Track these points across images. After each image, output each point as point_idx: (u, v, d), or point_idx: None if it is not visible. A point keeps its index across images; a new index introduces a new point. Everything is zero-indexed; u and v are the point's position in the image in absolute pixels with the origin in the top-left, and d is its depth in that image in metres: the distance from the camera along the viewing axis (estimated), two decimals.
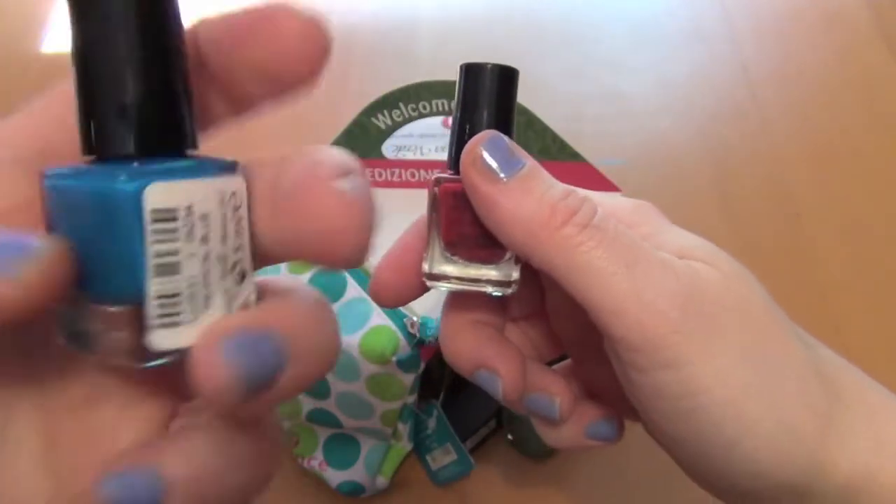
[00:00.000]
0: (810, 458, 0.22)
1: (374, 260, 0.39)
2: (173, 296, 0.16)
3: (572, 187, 0.23)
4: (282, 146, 0.64)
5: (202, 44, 0.18)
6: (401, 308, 0.41)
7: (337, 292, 0.41)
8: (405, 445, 0.46)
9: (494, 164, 0.22)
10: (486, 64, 0.24)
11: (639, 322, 0.21)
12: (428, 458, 0.47)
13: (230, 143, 0.73)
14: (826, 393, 0.23)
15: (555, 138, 0.48)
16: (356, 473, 0.45)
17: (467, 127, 0.24)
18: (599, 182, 0.48)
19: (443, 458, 0.46)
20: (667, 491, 0.44)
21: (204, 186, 0.16)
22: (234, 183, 0.17)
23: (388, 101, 0.47)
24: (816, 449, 0.22)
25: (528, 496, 0.47)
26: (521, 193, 0.22)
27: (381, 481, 0.46)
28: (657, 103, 0.69)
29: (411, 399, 0.44)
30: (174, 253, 0.15)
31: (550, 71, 0.72)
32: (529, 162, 0.23)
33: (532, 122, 0.47)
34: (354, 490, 0.45)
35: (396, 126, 0.48)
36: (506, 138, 0.23)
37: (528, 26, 0.77)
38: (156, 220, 0.15)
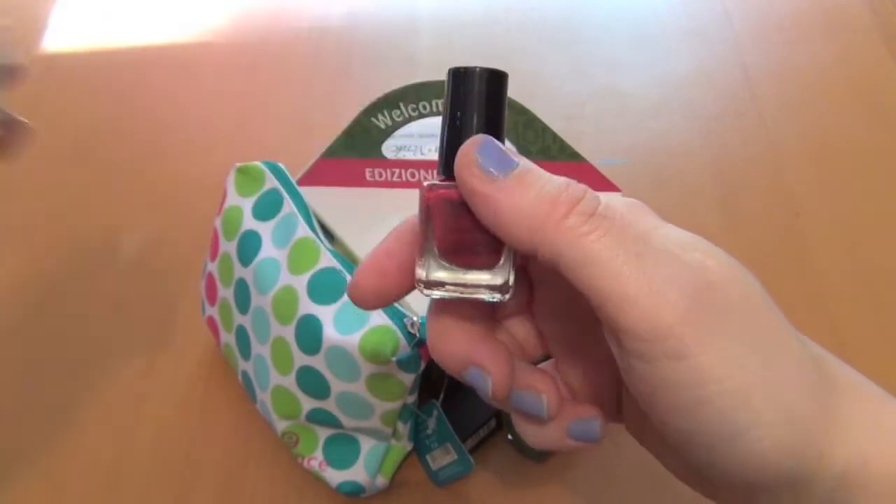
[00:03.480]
0: (811, 447, 0.22)
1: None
2: None
3: (571, 180, 0.23)
4: (283, 146, 0.64)
5: None
6: (401, 308, 0.41)
7: (337, 292, 0.41)
8: (405, 445, 0.46)
9: (490, 165, 0.23)
10: (475, 68, 0.24)
11: (648, 312, 0.21)
12: (428, 458, 0.47)
13: (233, 143, 0.74)
14: (824, 383, 0.23)
15: (555, 138, 0.48)
16: (356, 473, 0.45)
17: (458, 132, 0.24)
18: (599, 182, 0.48)
19: (443, 458, 0.46)
20: (663, 491, 0.44)
21: None
22: None
23: (388, 101, 0.47)
24: (817, 437, 0.22)
25: (527, 496, 0.47)
26: (520, 189, 0.22)
27: (381, 481, 0.46)
28: (657, 102, 0.69)
29: (411, 399, 0.44)
30: None
31: (550, 71, 0.72)
32: (523, 161, 0.23)
33: (532, 122, 0.47)
34: (354, 490, 0.45)
35: (396, 126, 0.48)
36: (496, 141, 0.23)
37: (528, 26, 0.77)
38: None
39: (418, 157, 0.51)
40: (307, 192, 0.46)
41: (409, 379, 0.41)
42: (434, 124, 0.52)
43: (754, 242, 0.58)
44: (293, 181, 0.46)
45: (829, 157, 0.64)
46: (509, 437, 0.48)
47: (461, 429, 0.46)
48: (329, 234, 0.48)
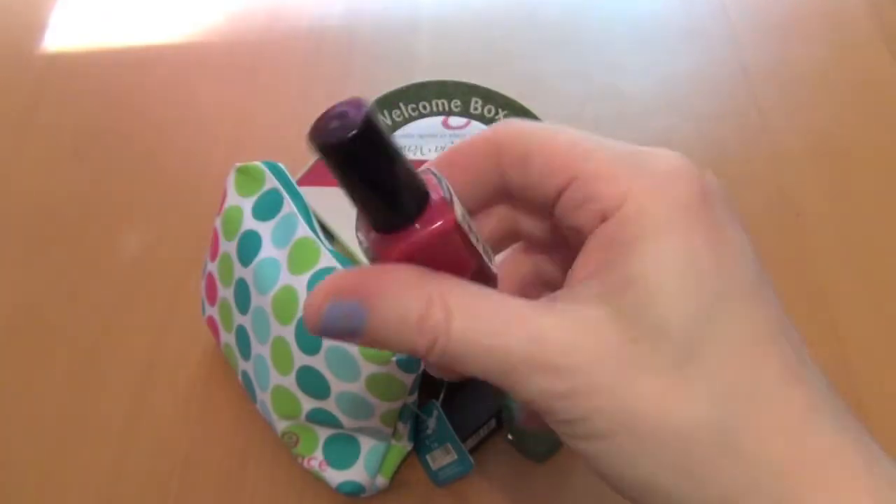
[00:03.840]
0: None
1: None
2: None
3: (428, 287, 0.22)
4: (283, 146, 0.64)
5: None
6: None
7: None
8: (405, 445, 0.46)
9: (341, 327, 0.22)
10: (342, 140, 0.20)
11: (538, 393, 0.22)
12: (428, 458, 0.47)
13: (233, 143, 0.74)
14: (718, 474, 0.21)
15: None
16: (356, 473, 0.45)
17: (356, 200, 0.22)
18: None
19: (443, 458, 0.46)
20: None
21: None
22: None
23: (388, 101, 0.47)
24: None
25: (527, 496, 0.47)
26: (380, 337, 0.22)
27: (381, 481, 0.46)
28: (657, 103, 0.69)
29: (411, 399, 0.44)
30: None
31: (550, 71, 0.72)
32: (369, 305, 0.22)
33: None
34: (354, 490, 0.45)
35: (396, 126, 0.48)
36: (340, 301, 0.22)
37: (528, 26, 0.77)
38: None
39: (418, 157, 0.51)
40: (307, 192, 0.46)
41: (409, 379, 0.41)
42: (434, 124, 0.52)
43: (754, 242, 0.58)
44: (293, 181, 0.46)
45: (829, 156, 0.64)
46: (509, 437, 0.48)
47: (461, 429, 0.46)
48: (329, 234, 0.48)
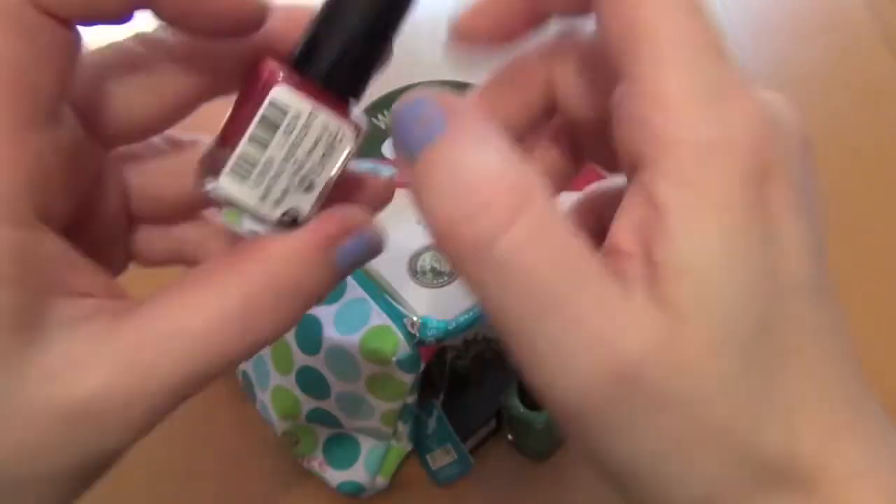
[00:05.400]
0: None
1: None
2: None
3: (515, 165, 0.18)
4: None
5: None
6: (401, 308, 0.41)
7: (337, 292, 0.41)
8: (405, 445, 0.46)
9: (405, 143, 0.19)
10: None
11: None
12: (428, 458, 0.47)
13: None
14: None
15: None
16: (356, 473, 0.45)
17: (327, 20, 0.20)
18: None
19: (443, 458, 0.46)
20: None
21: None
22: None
23: (388, 101, 0.47)
24: None
25: (528, 496, 0.47)
26: (430, 177, 0.18)
27: (381, 481, 0.46)
28: None
29: (411, 399, 0.44)
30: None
31: None
32: (447, 125, 0.18)
33: None
34: (354, 490, 0.45)
35: None
36: (414, 104, 0.19)
37: None
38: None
39: None
40: None
41: (409, 379, 0.41)
42: None
43: None
44: None
45: (829, 156, 0.64)
46: (509, 436, 0.48)
47: (461, 429, 0.46)
48: None
